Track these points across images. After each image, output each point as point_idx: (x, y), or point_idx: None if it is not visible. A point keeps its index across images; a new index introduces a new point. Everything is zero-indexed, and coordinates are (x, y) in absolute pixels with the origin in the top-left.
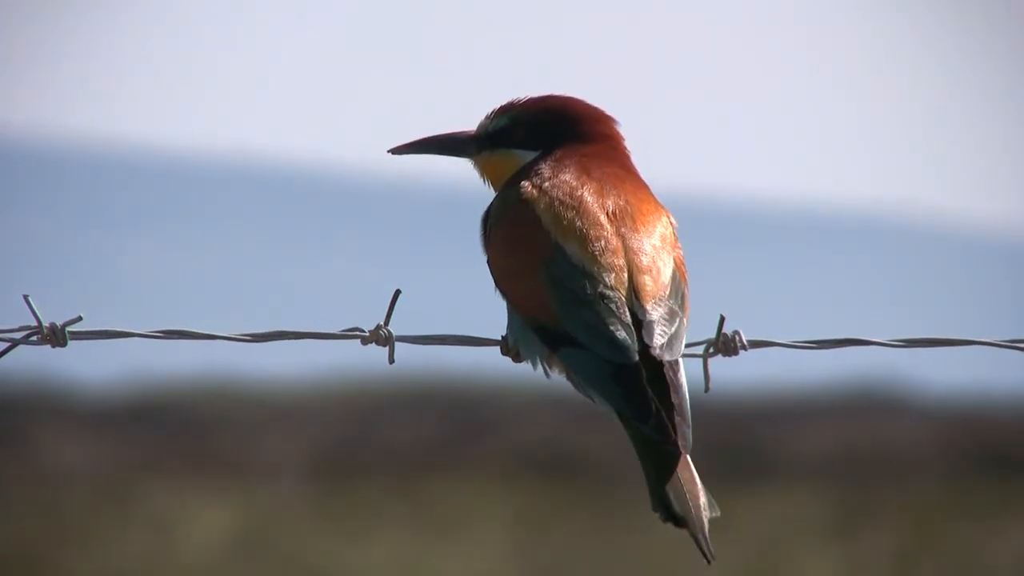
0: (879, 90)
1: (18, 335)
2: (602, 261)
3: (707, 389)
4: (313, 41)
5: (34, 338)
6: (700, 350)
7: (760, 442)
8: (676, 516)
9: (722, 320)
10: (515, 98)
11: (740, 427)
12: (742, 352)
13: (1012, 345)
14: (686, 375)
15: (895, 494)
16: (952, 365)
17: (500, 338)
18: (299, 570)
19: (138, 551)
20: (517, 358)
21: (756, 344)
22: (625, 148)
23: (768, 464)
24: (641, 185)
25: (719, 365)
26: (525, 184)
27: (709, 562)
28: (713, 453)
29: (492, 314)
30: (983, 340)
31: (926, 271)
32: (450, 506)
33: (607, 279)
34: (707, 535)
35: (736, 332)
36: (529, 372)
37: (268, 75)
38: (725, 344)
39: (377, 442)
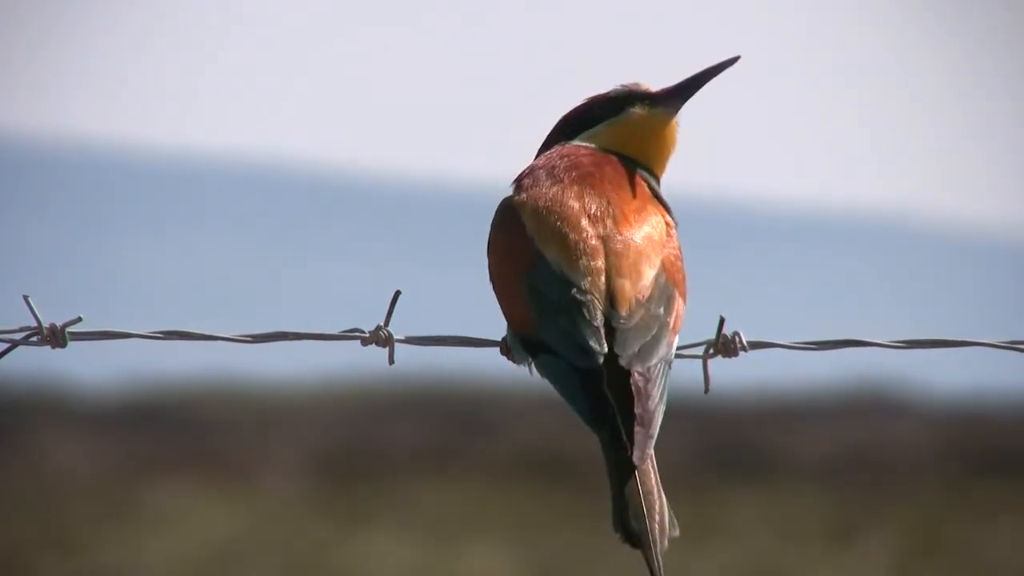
0: (880, 91)
1: (18, 336)
2: (579, 266)
3: (707, 390)
4: (312, 41)
5: (34, 339)
6: (700, 351)
7: (760, 443)
8: (632, 535)
9: (722, 321)
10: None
11: (740, 428)
12: (742, 353)
13: (1012, 346)
14: (685, 378)
15: (895, 495)
16: (952, 366)
17: (500, 339)
18: (299, 571)
19: (137, 552)
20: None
21: (756, 345)
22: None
23: (768, 465)
24: (624, 183)
25: (719, 366)
26: (514, 189)
27: None
28: (713, 454)
29: (492, 315)
30: (983, 341)
31: (926, 272)
32: (450, 508)
33: (583, 284)
34: (660, 555)
35: (736, 333)
36: (529, 374)
37: (267, 75)
38: (725, 345)
39: (377, 443)
